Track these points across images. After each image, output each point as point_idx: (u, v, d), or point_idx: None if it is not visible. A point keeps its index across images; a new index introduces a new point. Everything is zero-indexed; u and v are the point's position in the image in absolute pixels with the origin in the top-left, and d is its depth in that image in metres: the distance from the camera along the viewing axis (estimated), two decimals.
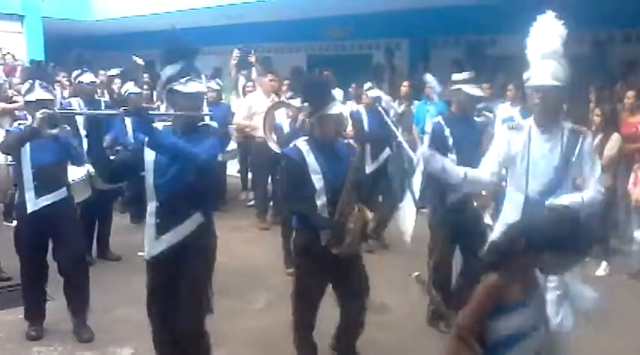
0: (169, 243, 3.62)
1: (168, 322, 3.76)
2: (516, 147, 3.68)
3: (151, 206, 3.65)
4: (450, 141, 4.76)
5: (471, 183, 3.86)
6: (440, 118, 5.00)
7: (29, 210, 4.62)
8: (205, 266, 3.74)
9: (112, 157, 4.89)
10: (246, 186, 9.94)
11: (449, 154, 4.62)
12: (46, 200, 4.65)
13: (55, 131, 4.33)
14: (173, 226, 3.60)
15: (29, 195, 4.60)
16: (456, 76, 4.95)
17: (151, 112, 3.88)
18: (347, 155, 4.03)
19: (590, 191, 3.61)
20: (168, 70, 3.60)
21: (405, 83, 9.08)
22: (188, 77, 3.59)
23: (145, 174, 3.62)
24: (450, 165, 3.83)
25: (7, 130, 4.78)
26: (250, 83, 9.59)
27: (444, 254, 4.88)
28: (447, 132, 4.79)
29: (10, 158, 5.14)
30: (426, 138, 5.27)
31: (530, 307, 2.28)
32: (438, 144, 4.66)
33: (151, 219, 3.67)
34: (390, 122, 7.01)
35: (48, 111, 4.32)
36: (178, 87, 3.58)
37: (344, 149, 4.09)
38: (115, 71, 10.30)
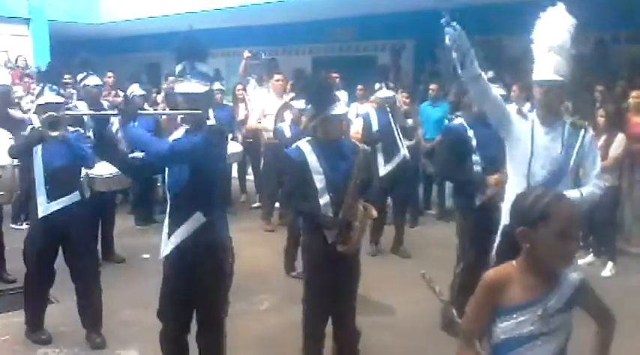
0: (175, 243, 3.64)
1: (180, 321, 3.79)
2: (520, 130, 3.67)
3: (168, 206, 3.74)
4: (474, 142, 4.65)
5: (476, 78, 3.54)
6: (462, 120, 4.85)
7: (40, 215, 4.57)
8: (217, 267, 3.74)
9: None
10: (245, 189, 10.01)
11: (473, 156, 4.59)
12: (58, 204, 4.58)
13: (57, 133, 4.23)
14: (179, 226, 3.63)
15: (41, 199, 4.55)
16: None
17: (140, 111, 3.93)
18: (350, 155, 4.04)
19: (589, 186, 3.64)
20: (176, 70, 3.66)
21: (433, 86, 8.97)
22: (183, 77, 3.62)
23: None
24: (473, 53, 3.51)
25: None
26: (240, 86, 9.68)
27: (473, 260, 4.62)
28: (471, 133, 4.68)
29: (15, 159, 5.12)
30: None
31: (538, 308, 2.16)
32: (461, 146, 4.60)
33: (166, 219, 3.74)
34: (394, 125, 7.01)
35: (52, 113, 4.31)
36: (177, 86, 3.64)
37: (347, 149, 4.11)
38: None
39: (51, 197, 4.56)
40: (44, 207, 4.56)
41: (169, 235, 3.66)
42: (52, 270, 4.75)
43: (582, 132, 3.65)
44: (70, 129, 4.69)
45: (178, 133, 3.79)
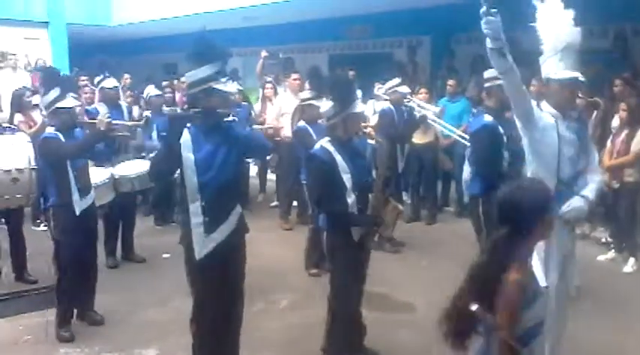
0: (218, 239, 3.64)
1: (221, 323, 3.79)
2: (546, 125, 3.63)
3: (195, 206, 3.59)
4: (505, 139, 4.59)
5: (511, 69, 3.43)
6: (490, 117, 4.72)
7: (78, 212, 4.79)
8: (245, 253, 3.87)
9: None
10: (264, 188, 10.00)
11: (504, 152, 4.54)
12: (90, 199, 4.93)
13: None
14: (222, 222, 3.64)
15: (75, 197, 4.78)
16: (490, 73, 4.73)
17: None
18: (364, 151, 4.09)
19: (597, 175, 3.83)
20: (207, 70, 3.56)
21: (451, 82, 8.88)
22: (227, 77, 3.64)
23: (185, 174, 3.58)
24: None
25: (45, 137, 4.75)
26: (270, 85, 9.62)
27: None
28: (501, 130, 4.62)
29: (33, 162, 5.19)
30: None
31: (543, 295, 2.31)
32: (495, 144, 4.55)
33: (197, 219, 3.60)
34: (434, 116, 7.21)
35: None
36: (219, 86, 3.57)
37: (360, 146, 4.16)
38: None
39: (82, 194, 4.83)
40: (78, 204, 4.81)
41: (208, 234, 3.61)
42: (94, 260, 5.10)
43: (584, 125, 3.78)
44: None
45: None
